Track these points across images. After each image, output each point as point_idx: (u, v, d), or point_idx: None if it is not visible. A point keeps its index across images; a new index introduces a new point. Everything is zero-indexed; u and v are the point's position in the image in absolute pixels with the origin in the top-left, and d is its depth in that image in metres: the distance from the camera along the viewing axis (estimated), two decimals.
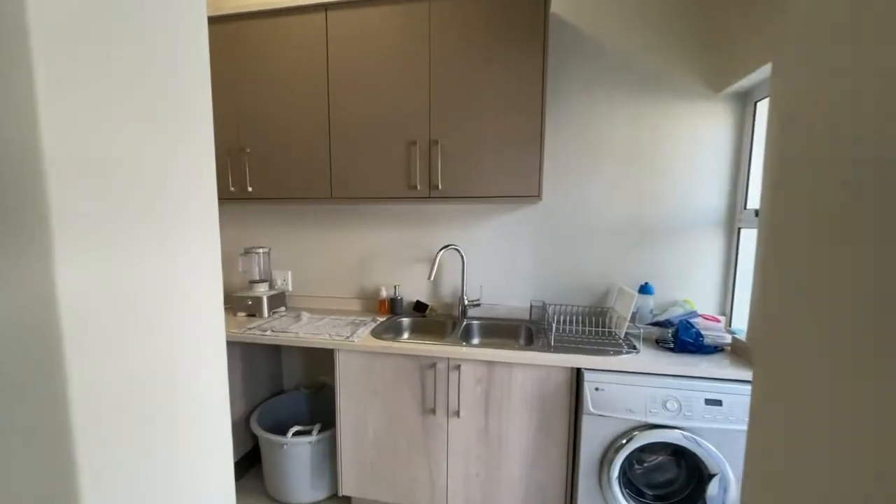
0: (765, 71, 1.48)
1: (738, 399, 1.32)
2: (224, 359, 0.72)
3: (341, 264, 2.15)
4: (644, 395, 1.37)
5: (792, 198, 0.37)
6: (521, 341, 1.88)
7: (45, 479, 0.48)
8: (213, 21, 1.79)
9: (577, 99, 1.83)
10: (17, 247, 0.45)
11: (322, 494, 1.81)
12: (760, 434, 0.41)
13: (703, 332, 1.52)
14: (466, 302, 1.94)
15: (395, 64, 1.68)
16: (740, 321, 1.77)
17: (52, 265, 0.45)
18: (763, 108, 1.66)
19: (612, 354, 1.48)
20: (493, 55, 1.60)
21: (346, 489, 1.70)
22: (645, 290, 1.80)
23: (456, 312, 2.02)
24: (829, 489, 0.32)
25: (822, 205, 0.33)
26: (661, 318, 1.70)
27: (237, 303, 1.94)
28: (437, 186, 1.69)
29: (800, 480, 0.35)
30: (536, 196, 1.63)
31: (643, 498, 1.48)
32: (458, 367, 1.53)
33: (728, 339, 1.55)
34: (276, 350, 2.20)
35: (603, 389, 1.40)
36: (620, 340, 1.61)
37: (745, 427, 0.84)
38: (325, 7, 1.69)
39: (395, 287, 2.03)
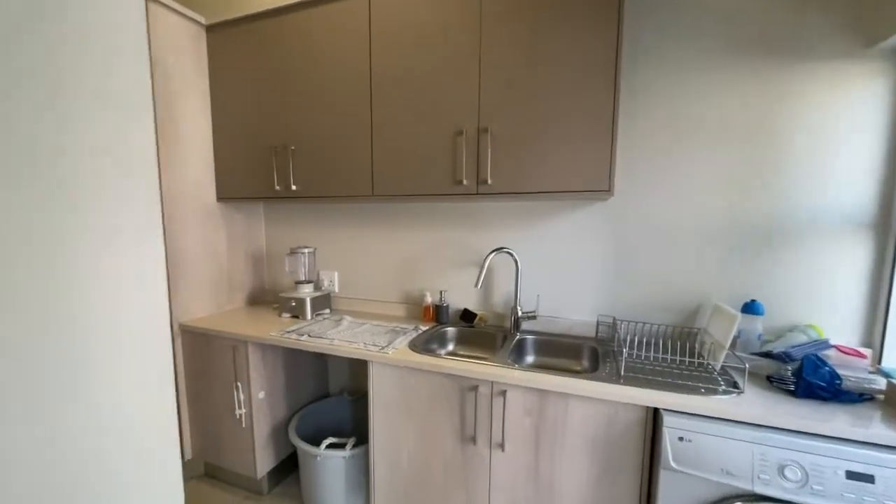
0: None
1: None
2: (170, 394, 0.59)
3: (386, 266, 2.02)
4: (751, 455, 1.03)
5: None
6: (585, 363, 1.59)
7: None
8: (255, 18, 1.76)
9: (661, 68, 1.49)
10: None
11: None
12: None
13: (839, 372, 1.11)
14: (520, 313, 1.69)
15: (440, 43, 1.49)
16: None
17: None
18: None
19: (703, 393, 1.14)
20: (553, 20, 1.34)
21: None
22: (751, 309, 1.41)
23: (508, 324, 1.79)
24: None
25: None
26: (775, 347, 1.30)
27: (283, 303, 1.91)
28: (487, 181, 1.47)
29: None
30: (606, 191, 1.34)
31: None
32: (502, 394, 1.30)
33: (880, 383, 1.13)
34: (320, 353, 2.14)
35: (690, 440, 1.07)
36: (715, 374, 1.26)
37: None
38: None
39: (440, 293, 1.85)
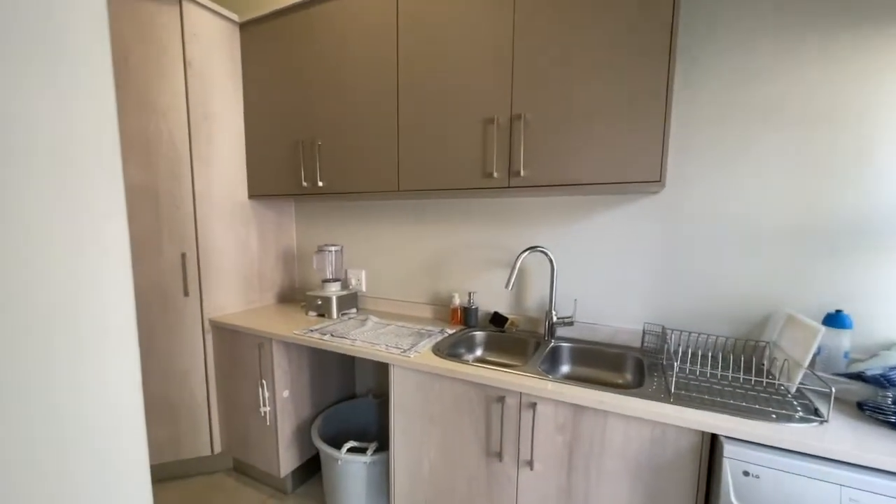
0: None
1: None
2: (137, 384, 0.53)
3: (414, 266, 1.95)
4: (837, 500, 0.84)
5: None
6: (628, 376, 1.42)
7: None
8: (285, 12, 1.75)
9: (725, 41, 1.30)
10: None
11: None
12: None
13: None
14: (555, 318, 1.55)
15: (469, 24, 1.39)
16: None
17: None
18: None
19: (775, 420, 0.95)
20: None
21: None
22: (836, 321, 1.19)
23: (542, 330, 1.65)
24: None
25: None
26: (868, 368, 1.08)
27: (310, 302, 1.88)
28: (520, 173, 1.35)
29: None
30: (657, 181, 1.18)
31: None
32: (532, 406, 1.17)
33: None
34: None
35: (757, 476, 0.90)
36: (789, 397, 1.06)
37: None
38: None
39: (469, 295, 1.74)
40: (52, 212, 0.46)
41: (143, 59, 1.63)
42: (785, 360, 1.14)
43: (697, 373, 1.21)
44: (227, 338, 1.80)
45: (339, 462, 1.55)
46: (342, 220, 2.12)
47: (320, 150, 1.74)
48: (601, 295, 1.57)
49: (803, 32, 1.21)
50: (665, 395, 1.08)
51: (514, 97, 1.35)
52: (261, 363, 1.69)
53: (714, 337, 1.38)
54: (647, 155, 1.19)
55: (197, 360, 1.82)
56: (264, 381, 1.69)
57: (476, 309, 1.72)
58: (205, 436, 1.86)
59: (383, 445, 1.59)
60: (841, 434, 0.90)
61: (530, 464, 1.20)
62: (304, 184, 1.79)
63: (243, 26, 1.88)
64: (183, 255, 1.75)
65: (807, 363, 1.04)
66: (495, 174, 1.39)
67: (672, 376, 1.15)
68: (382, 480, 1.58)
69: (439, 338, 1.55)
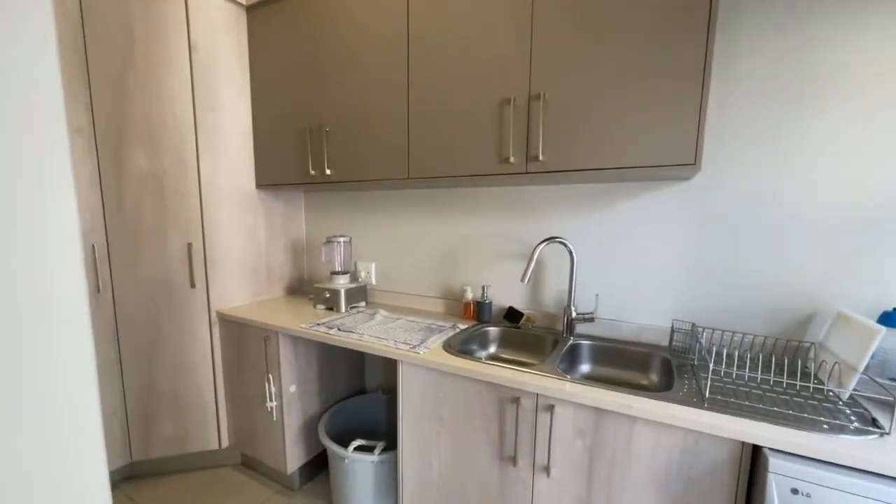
0: None
1: None
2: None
3: (425, 258, 1.87)
4: None
5: None
6: (654, 377, 1.32)
7: None
8: None
9: (773, 6, 1.17)
10: None
11: None
12: None
13: None
14: (574, 314, 1.45)
15: None
16: None
17: None
18: None
19: (826, 430, 0.84)
20: None
21: None
22: (893, 321, 1.06)
23: (560, 326, 1.55)
24: None
25: None
26: None
27: (318, 294, 1.82)
28: (538, 157, 1.25)
29: None
30: (692, 164, 1.07)
31: None
32: (549, 409, 1.08)
33: None
34: None
35: (808, 495, 0.79)
36: (841, 405, 0.95)
37: None
38: None
39: (483, 288, 1.65)
40: None
41: (148, 43, 1.58)
42: (836, 363, 1.02)
43: (734, 375, 1.10)
44: (234, 330, 1.76)
45: (346, 461, 1.49)
46: (352, 211, 2.06)
47: (328, 136, 1.67)
48: (624, 289, 1.46)
49: None
50: (698, 400, 0.98)
51: (532, 75, 1.25)
52: (267, 357, 1.64)
53: (750, 336, 1.26)
54: (681, 137, 1.07)
55: (204, 353, 1.78)
56: (271, 376, 1.64)
57: (490, 303, 1.64)
58: (212, 430, 1.83)
59: (392, 444, 1.52)
60: None
61: (547, 470, 1.11)
62: (312, 172, 1.73)
63: (250, 9, 1.82)
64: (189, 246, 1.71)
65: (863, 367, 0.93)
66: (512, 159, 1.29)
67: (706, 379, 1.05)
68: (391, 480, 1.52)
69: (451, 333, 1.47)
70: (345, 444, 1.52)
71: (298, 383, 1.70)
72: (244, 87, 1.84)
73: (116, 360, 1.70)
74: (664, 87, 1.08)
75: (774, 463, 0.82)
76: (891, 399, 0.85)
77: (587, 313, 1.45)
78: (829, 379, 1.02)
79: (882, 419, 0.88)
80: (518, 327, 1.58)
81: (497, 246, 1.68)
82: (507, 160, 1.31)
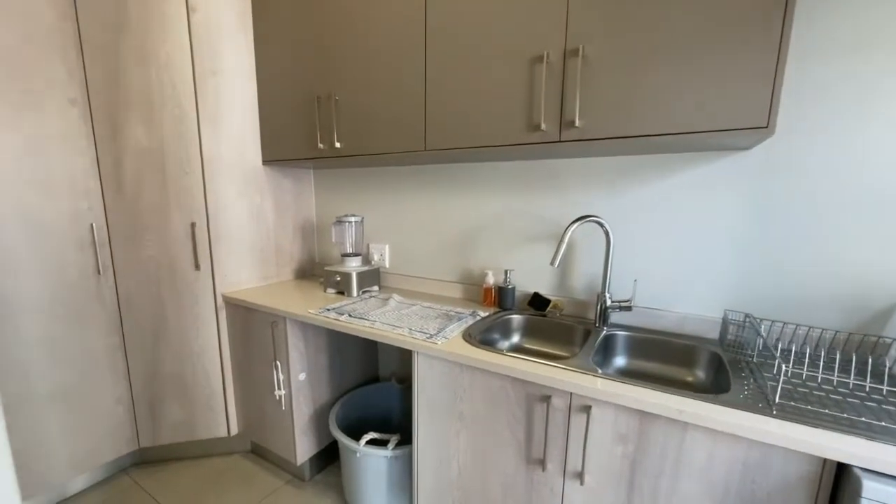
0: None
1: None
2: None
3: (442, 240, 1.73)
4: None
5: None
6: (700, 374, 1.17)
7: None
8: None
9: None
10: None
11: None
12: None
13: None
14: (609, 302, 1.31)
15: None
16: None
17: None
18: None
19: None
20: None
21: None
22: None
23: (592, 315, 1.41)
24: None
25: None
26: None
27: (328, 278, 1.71)
28: (574, 124, 1.09)
29: None
30: (763, 128, 0.89)
31: None
32: (585, 410, 0.95)
33: None
34: None
35: None
36: None
37: None
38: None
39: (505, 273, 1.52)
40: None
41: (142, 5, 1.45)
42: None
43: (804, 376, 0.94)
44: (241, 315, 1.67)
45: (358, 454, 1.40)
46: (364, 189, 1.93)
47: (337, 105, 1.53)
48: (666, 275, 1.30)
49: None
50: (765, 406, 0.83)
51: (569, 27, 1.07)
52: (274, 343, 1.55)
53: (817, 330, 1.10)
54: (752, 96, 0.90)
55: (210, 339, 1.70)
56: (278, 363, 1.55)
57: (513, 289, 1.50)
58: (221, 417, 1.77)
59: (407, 437, 1.43)
60: None
61: (580, 477, 0.99)
62: (321, 145, 1.59)
63: None
64: (192, 225, 1.61)
65: None
66: (543, 126, 1.13)
67: (773, 380, 0.89)
68: (405, 476, 1.43)
69: (470, 321, 1.35)
70: (357, 435, 1.43)
71: (308, 371, 1.61)
72: (247, 50, 1.70)
73: (120, 345, 1.63)
74: (728, 30, 0.90)
75: (870, 487, 0.67)
76: None
77: (624, 301, 1.30)
78: None
79: None
80: (544, 315, 1.44)
81: (521, 226, 1.54)
82: (537, 127, 1.15)
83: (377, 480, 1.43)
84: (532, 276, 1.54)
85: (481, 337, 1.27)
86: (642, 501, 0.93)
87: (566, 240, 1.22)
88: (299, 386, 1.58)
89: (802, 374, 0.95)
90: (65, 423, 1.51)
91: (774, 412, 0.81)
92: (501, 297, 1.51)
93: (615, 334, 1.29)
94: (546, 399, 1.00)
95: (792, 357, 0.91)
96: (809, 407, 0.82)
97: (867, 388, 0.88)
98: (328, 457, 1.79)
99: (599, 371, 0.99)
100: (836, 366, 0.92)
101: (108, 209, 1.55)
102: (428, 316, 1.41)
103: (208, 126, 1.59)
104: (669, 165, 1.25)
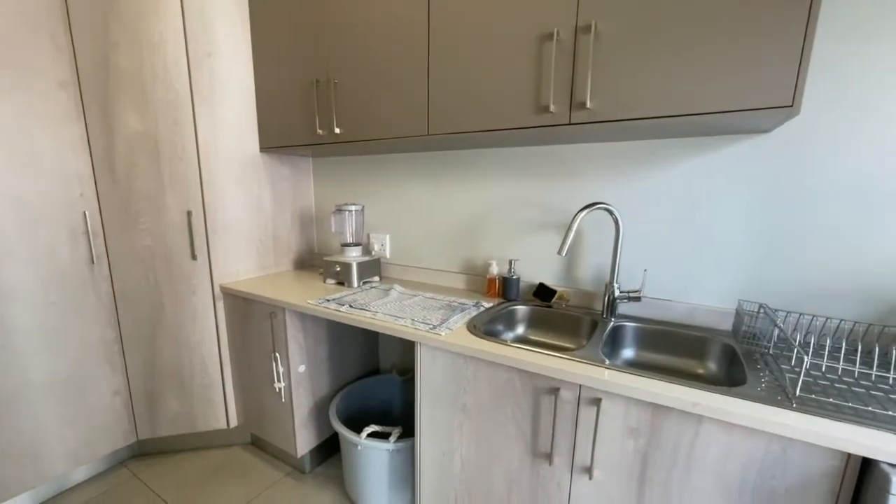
0: None
1: None
2: None
3: (445, 229, 1.69)
4: None
5: None
6: (712, 366, 1.13)
7: None
8: None
9: None
10: None
11: None
12: None
13: None
14: (618, 292, 1.27)
15: None
16: None
17: None
18: None
19: None
20: None
21: None
22: None
23: (599, 306, 1.37)
24: None
25: None
26: None
27: (327, 268, 1.67)
28: (585, 105, 1.04)
29: None
30: (788, 106, 0.84)
31: None
32: (595, 402, 0.92)
33: None
34: None
35: None
36: None
37: None
38: None
39: (510, 263, 1.48)
40: None
41: None
42: None
43: (823, 368, 0.91)
44: (240, 306, 1.63)
45: (359, 447, 1.37)
46: (365, 178, 1.88)
47: (336, 89, 1.48)
48: (676, 265, 1.26)
49: None
50: (783, 398, 0.80)
51: (581, 1, 1.02)
52: (273, 335, 1.51)
53: (836, 321, 1.06)
54: (775, 72, 0.85)
55: (208, 330, 1.67)
56: (278, 355, 1.51)
57: (517, 279, 1.46)
58: (220, 409, 1.74)
59: (408, 430, 1.40)
60: None
61: (589, 472, 0.96)
62: (320, 131, 1.54)
63: None
64: (188, 214, 1.57)
65: None
66: (552, 108, 1.08)
67: (792, 372, 0.86)
68: (406, 468, 1.40)
69: (474, 312, 1.31)
70: (358, 428, 1.40)
71: (308, 363, 1.58)
72: (243, 31, 1.64)
73: (117, 338, 1.60)
74: (758, 8, 0.85)
75: None
76: None
77: (632, 291, 1.26)
78: None
79: None
80: (550, 306, 1.40)
81: (526, 214, 1.49)
82: (545, 109, 1.10)
83: (378, 473, 1.40)
84: (537, 267, 1.50)
85: (485, 328, 1.24)
86: (653, 497, 0.90)
87: (574, 228, 1.17)
88: (299, 378, 1.55)
89: (822, 365, 0.91)
90: (62, 414, 1.48)
91: (794, 405, 0.77)
92: (506, 288, 1.47)
93: (623, 325, 1.25)
94: (554, 391, 0.97)
95: (811, 349, 0.87)
96: (831, 400, 0.79)
97: (891, 381, 0.85)
98: (328, 449, 1.76)
99: (610, 364, 0.95)
100: (858, 357, 0.88)
101: (101, 197, 1.50)
102: (431, 307, 1.37)
103: (203, 111, 1.54)
104: (682, 151, 1.20)
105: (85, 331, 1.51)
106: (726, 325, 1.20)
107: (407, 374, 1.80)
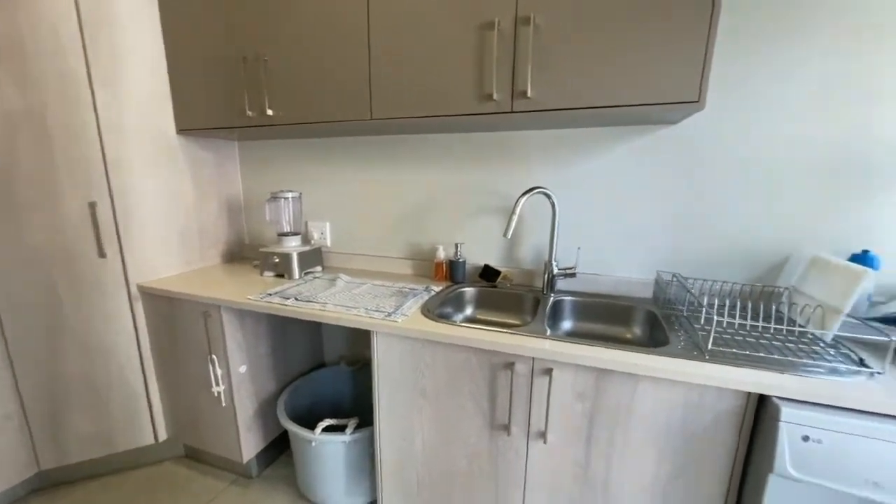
0: None
1: None
2: None
3: (389, 216, 1.67)
4: None
5: None
6: (637, 330, 1.29)
7: None
8: None
9: None
10: None
11: (360, 501, 1.45)
12: None
13: None
14: (556, 270, 1.37)
15: None
16: None
17: None
18: None
19: (825, 373, 0.84)
20: None
21: None
22: (862, 262, 1.08)
23: (539, 284, 1.47)
24: None
25: None
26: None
27: (264, 260, 1.57)
28: (526, 94, 1.09)
29: None
30: (695, 102, 0.97)
31: None
32: (547, 373, 1.00)
33: None
34: None
35: (819, 440, 0.78)
36: (824, 347, 0.96)
37: None
38: None
39: (456, 246, 1.52)
40: None
41: None
42: (817, 306, 1.03)
43: (725, 324, 1.08)
44: (164, 306, 1.47)
45: (314, 444, 1.34)
46: (299, 163, 1.78)
47: (267, 67, 1.37)
48: (604, 242, 1.40)
49: None
50: (699, 353, 0.94)
51: None
52: (209, 336, 1.40)
53: (729, 284, 1.26)
54: (685, 71, 0.97)
55: (125, 335, 1.49)
56: (215, 357, 1.40)
57: (464, 262, 1.51)
58: (145, 423, 1.57)
59: (364, 420, 1.39)
60: None
61: (543, 436, 1.05)
62: (249, 113, 1.42)
63: None
64: (92, 206, 1.37)
65: (847, 309, 0.93)
66: (495, 96, 1.12)
67: (703, 331, 1.01)
68: (364, 459, 1.40)
69: (426, 297, 1.33)
70: (309, 424, 1.37)
71: (249, 362, 1.49)
72: None
73: (2, 353, 1.36)
74: (671, 13, 0.95)
75: (787, 412, 0.79)
76: (886, 339, 0.86)
77: (569, 268, 1.37)
78: (806, 323, 1.03)
79: (874, 361, 0.89)
80: (495, 286, 1.47)
81: (470, 200, 1.54)
82: (489, 97, 1.13)
83: (335, 467, 1.38)
84: (482, 249, 1.56)
85: (438, 311, 1.26)
86: (599, 452, 1.01)
87: (518, 211, 1.24)
88: (240, 379, 1.45)
89: (723, 322, 1.09)
90: None
91: (707, 358, 0.92)
92: (453, 271, 1.51)
93: (562, 300, 1.36)
94: (510, 366, 1.03)
95: (715, 309, 1.04)
96: (733, 350, 0.94)
97: (771, 330, 1.04)
98: (276, 448, 1.69)
99: (557, 336, 1.04)
100: (749, 313, 1.06)
101: None
102: (381, 294, 1.36)
103: (104, 87, 1.33)
104: (610, 139, 1.32)
105: None
106: (647, 293, 1.36)
107: (356, 364, 1.78)
